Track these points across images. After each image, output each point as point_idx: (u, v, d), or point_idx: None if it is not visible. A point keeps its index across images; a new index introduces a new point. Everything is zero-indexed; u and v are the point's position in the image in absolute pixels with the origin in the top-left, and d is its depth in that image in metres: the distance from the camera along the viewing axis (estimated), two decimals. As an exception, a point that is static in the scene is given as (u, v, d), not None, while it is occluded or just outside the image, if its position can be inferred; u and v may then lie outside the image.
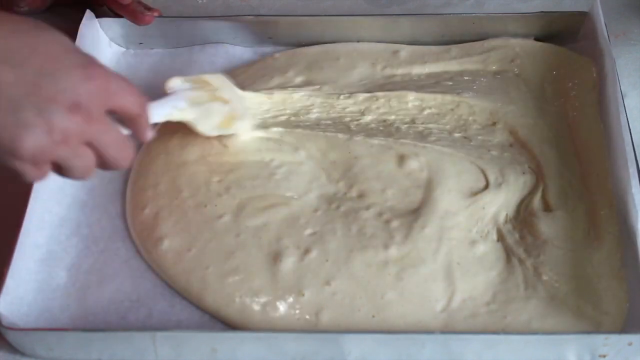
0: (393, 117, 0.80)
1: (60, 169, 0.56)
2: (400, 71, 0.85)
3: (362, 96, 0.80)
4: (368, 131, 0.78)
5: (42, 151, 0.53)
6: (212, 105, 0.73)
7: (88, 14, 0.86)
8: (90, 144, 0.56)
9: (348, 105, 0.80)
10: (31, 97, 0.52)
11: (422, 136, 0.78)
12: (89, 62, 0.55)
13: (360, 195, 0.74)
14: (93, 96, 0.54)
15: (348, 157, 0.76)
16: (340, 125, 0.79)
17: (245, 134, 0.76)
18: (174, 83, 0.72)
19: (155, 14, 0.86)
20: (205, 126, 0.73)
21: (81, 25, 0.84)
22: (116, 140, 0.58)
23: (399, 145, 0.77)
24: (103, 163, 0.58)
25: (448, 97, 0.80)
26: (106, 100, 0.56)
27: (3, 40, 0.52)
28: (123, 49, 0.90)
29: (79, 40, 0.83)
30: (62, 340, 0.65)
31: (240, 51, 0.90)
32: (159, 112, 0.68)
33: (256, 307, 0.67)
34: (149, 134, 0.62)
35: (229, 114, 0.74)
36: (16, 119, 0.52)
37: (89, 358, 0.66)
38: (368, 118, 0.80)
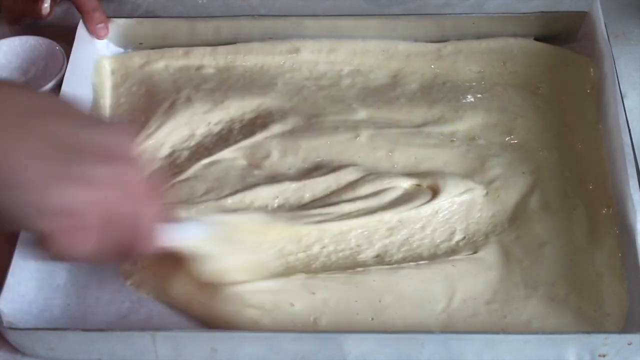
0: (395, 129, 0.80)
1: (62, 240, 0.52)
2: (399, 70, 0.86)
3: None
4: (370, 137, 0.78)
5: (67, 204, 0.50)
6: (235, 247, 0.68)
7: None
8: (107, 215, 0.52)
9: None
10: (65, 148, 0.50)
11: (423, 137, 0.78)
12: (113, 121, 0.55)
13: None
14: (123, 154, 0.53)
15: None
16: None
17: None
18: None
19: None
20: (218, 267, 0.66)
21: (78, 28, 0.85)
22: (141, 216, 0.54)
23: (401, 146, 0.77)
24: (120, 243, 0.54)
25: (450, 104, 0.81)
26: (132, 163, 0.54)
27: (34, 96, 0.52)
28: (121, 50, 0.90)
29: (76, 43, 0.83)
30: (62, 340, 0.65)
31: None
32: (175, 233, 0.62)
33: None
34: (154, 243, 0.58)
35: (251, 262, 0.69)
36: (50, 169, 0.49)
37: (89, 358, 0.66)
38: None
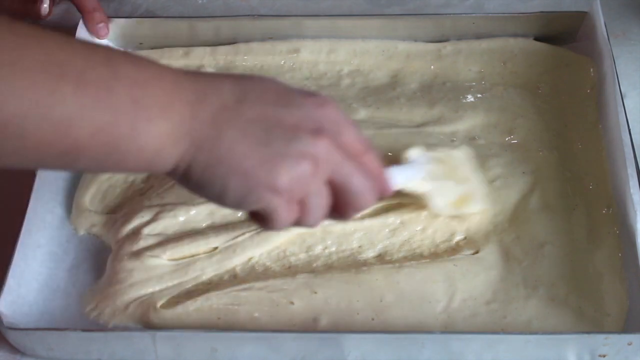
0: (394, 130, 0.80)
1: (302, 212, 0.53)
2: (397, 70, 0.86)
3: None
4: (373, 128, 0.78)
5: (298, 181, 0.51)
6: (447, 182, 0.70)
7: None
8: (333, 179, 0.53)
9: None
10: (276, 129, 0.51)
11: (423, 137, 0.78)
12: (314, 92, 0.55)
13: None
14: (331, 121, 0.53)
15: None
16: None
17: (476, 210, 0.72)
18: (415, 153, 0.69)
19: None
20: (439, 202, 0.69)
21: (78, 28, 0.85)
22: (364, 173, 0.54)
23: (401, 146, 0.77)
24: (341, 204, 0.54)
25: (450, 104, 0.81)
26: (342, 127, 0.54)
27: (236, 85, 0.52)
28: (122, 50, 0.90)
29: None
30: (62, 340, 0.65)
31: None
32: (397, 177, 0.63)
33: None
34: (388, 188, 0.58)
35: (463, 194, 0.71)
36: (270, 152, 0.50)
37: (89, 358, 0.66)
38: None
